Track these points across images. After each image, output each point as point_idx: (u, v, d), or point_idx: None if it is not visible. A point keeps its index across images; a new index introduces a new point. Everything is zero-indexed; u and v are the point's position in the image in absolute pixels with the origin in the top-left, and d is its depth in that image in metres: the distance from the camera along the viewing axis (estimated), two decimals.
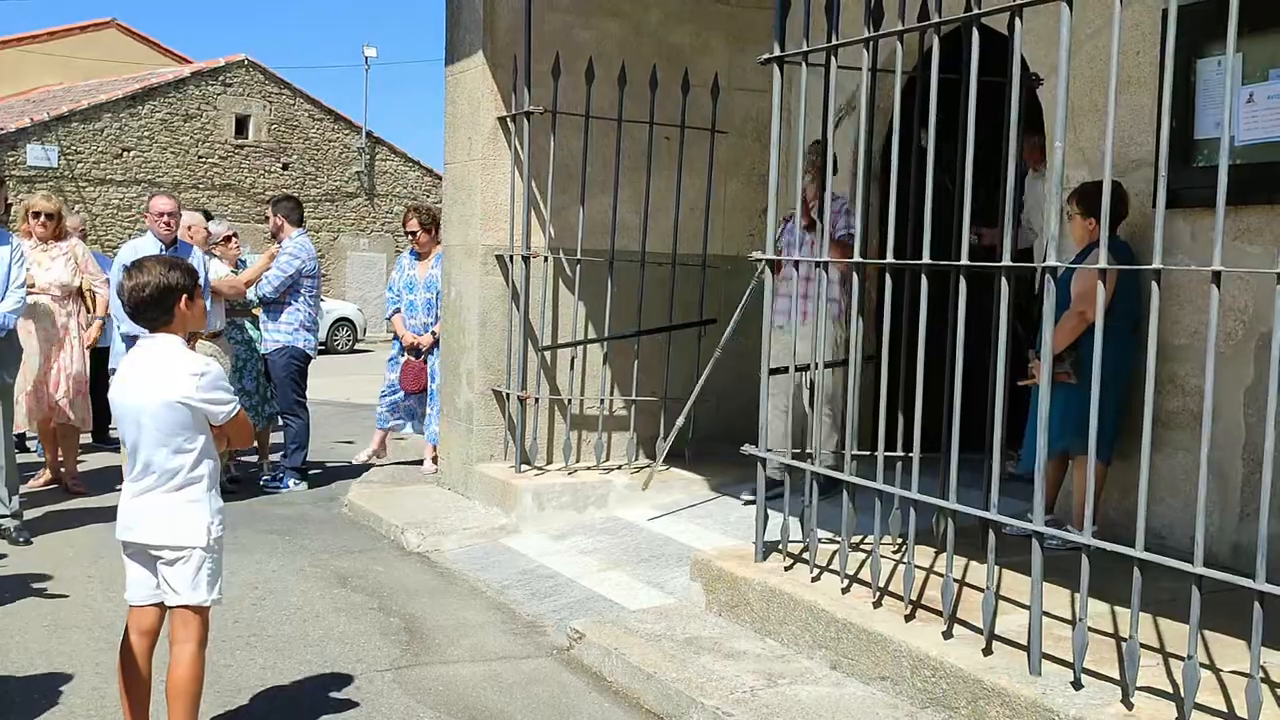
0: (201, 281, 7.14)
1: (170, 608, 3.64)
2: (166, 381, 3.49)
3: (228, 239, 8.71)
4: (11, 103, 24.95)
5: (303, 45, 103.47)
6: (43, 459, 8.34)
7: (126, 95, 22.85)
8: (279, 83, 25.04)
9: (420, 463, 8.74)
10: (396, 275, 8.86)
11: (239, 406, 3.69)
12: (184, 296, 3.57)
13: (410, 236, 8.75)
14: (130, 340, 6.99)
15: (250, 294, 8.20)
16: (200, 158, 23.83)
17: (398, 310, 8.69)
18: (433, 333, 8.50)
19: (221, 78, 24.14)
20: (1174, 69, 3.47)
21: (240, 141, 24.45)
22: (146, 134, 23.10)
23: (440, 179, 19.52)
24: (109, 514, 6.84)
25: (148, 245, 7.21)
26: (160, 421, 3.49)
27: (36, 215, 8.08)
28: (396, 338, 8.78)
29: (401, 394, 8.60)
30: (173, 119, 23.42)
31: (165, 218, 7.34)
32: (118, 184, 21.69)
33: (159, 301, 3.52)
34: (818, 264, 4.92)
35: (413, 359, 8.53)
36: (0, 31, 27.22)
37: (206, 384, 3.53)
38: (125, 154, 22.88)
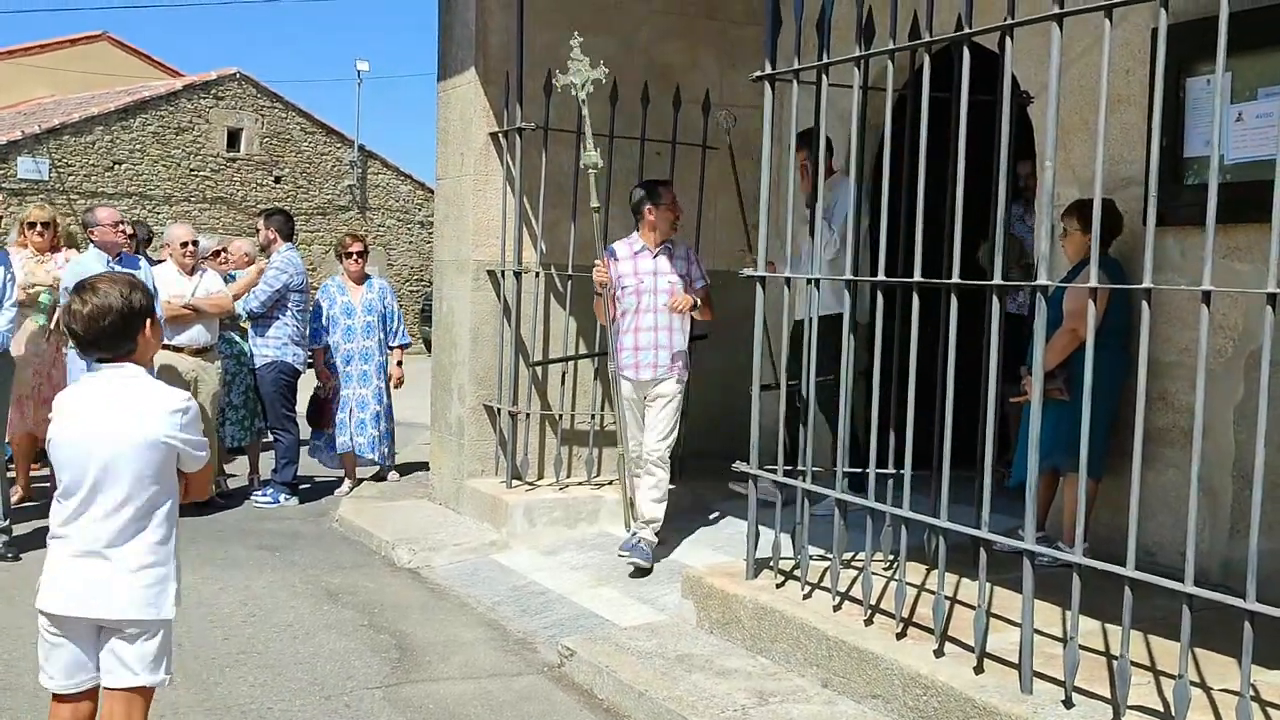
0: (150, 293, 7.26)
1: (112, 689, 3.07)
2: (145, 418, 3.00)
3: (216, 254, 8.71)
4: (2, 115, 24.88)
5: (295, 59, 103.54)
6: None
7: (118, 108, 22.76)
8: (271, 96, 24.98)
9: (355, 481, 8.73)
10: (326, 304, 8.57)
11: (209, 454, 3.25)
12: (148, 321, 3.10)
13: (352, 258, 8.65)
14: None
15: (238, 307, 8.20)
16: (192, 171, 23.75)
17: (326, 348, 8.53)
18: (400, 347, 8.78)
19: (213, 91, 24.06)
20: (1164, 87, 3.49)
21: (232, 155, 24.37)
22: (138, 147, 23.02)
23: (432, 193, 19.48)
24: None
25: (91, 260, 7.18)
26: (135, 466, 2.99)
27: (33, 225, 8.07)
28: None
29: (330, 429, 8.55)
30: (164, 132, 23.34)
31: (117, 227, 7.31)
32: (109, 197, 21.56)
33: (124, 329, 3.04)
34: (808, 281, 4.92)
35: (322, 397, 8.55)
36: None
37: (189, 422, 3.08)
38: (116, 167, 22.80)
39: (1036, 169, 6.32)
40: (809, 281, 4.93)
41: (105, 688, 3.09)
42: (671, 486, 6.79)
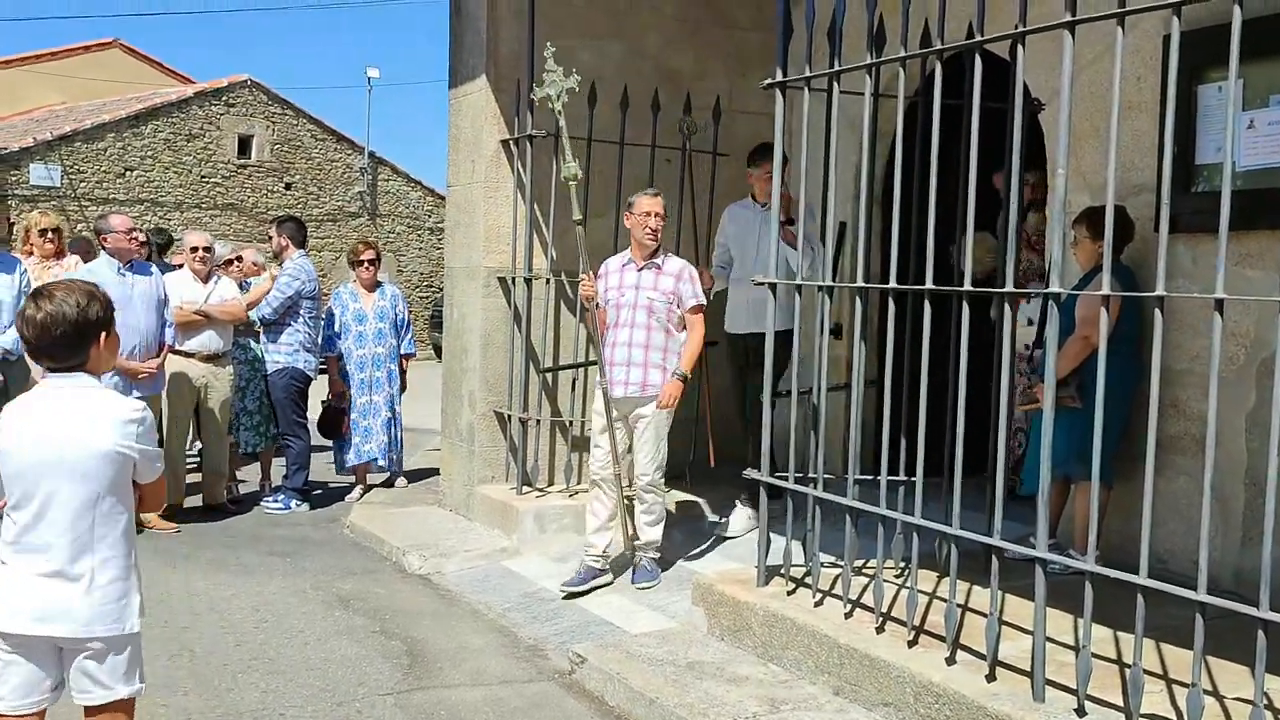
0: (162, 299, 7.35)
1: (92, 708, 3.02)
2: (98, 428, 2.92)
3: (229, 262, 8.72)
4: (15, 122, 25.02)
5: (305, 66, 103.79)
6: None
7: (129, 115, 22.86)
8: (282, 103, 25.06)
9: (379, 486, 8.73)
10: (339, 311, 8.62)
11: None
12: (103, 333, 3.00)
13: (364, 265, 8.68)
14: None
15: (252, 315, 8.22)
16: (203, 177, 23.84)
17: (339, 356, 8.58)
18: (406, 356, 8.83)
19: (225, 98, 24.16)
20: (1175, 94, 3.48)
21: (243, 161, 24.46)
22: (149, 154, 23.11)
23: (442, 199, 19.48)
24: None
25: (103, 266, 7.23)
26: (90, 478, 2.92)
27: (43, 232, 8.13)
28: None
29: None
30: (176, 139, 23.43)
31: (130, 234, 7.34)
32: (120, 203, 21.66)
33: (76, 340, 2.95)
34: (821, 288, 4.92)
35: (334, 406, 8.58)
36: (4, 51, 27.30)
37: (145, 432, 3.00)
38: (128, 173, 22.89)
39: (1008, 179, 6.35)
40: (820, 289, 4.93)
41: (84, 707, 3.02)
42: (689, 497, 6.82)
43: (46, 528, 2.92)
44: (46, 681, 2.99)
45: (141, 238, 8.54)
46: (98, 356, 3.01)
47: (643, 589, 5.88)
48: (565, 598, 5.89)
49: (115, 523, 2.98)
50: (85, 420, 2.93)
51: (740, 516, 6.63)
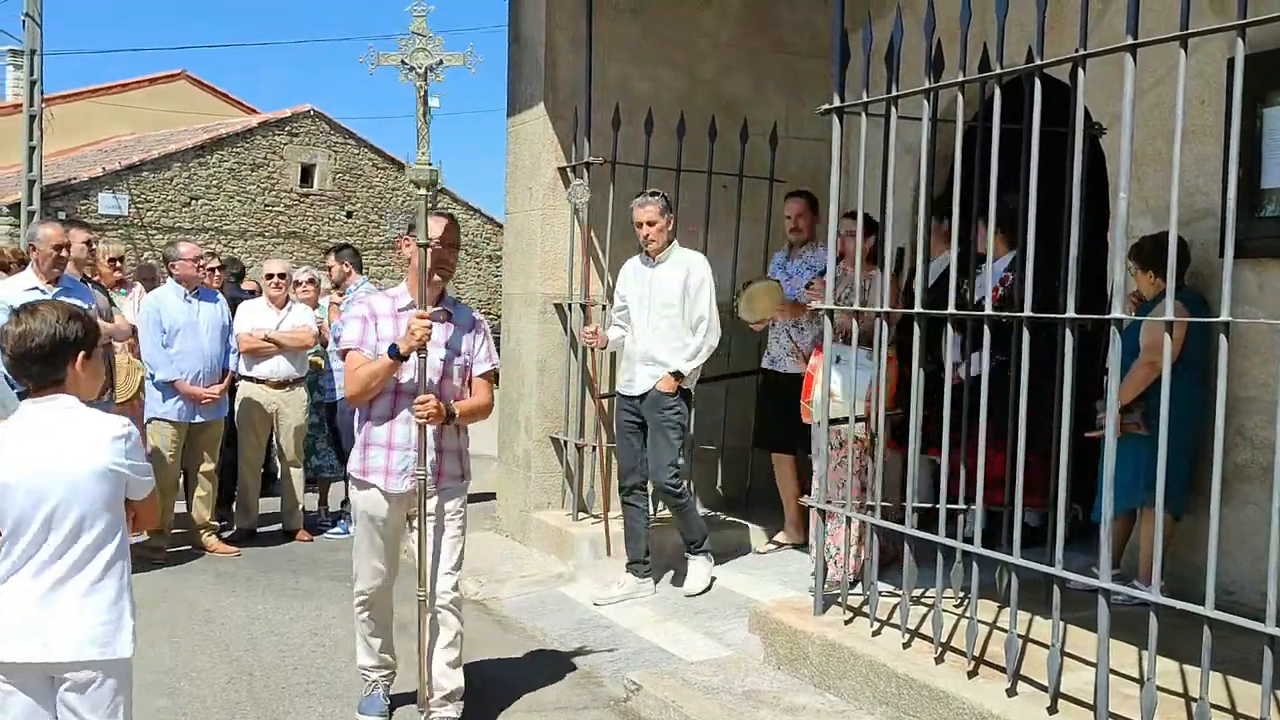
0: (226, 326, 7.46)
1: None
2: (89, 448, 2.89)
3: (297, 284, 8.76)
4: (85, 153, 25.53)
5: (367, 96, 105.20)
6: None
7: (195, 145, 23.28)
8: (344, 132, 25.40)
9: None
10: None
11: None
12: (80, 354, 2.96)
13: None
14: (167, 389, 7.15)
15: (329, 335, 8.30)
16: (266, 206, 24.20)
17: None
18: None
19: (288, 128, 24.53)
20: (1240, 118, 3.43)
21: (305, 190, 24.80)
22: (214, 183, 23.51)
23: (500, 227, 19.64)
24: None
25: (168, 293, 7.38)
26: (83, 497, 2.87)
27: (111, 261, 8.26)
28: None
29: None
30: (240, 168, 23.82)
31: (197, 261, 7.48)
32: (185, 232, 22.02)
33: (50, 356, 2.91)
34: (878, 314, 4.89)
35: None
36: (75, 84, 27.86)
37: (133, 448, 2.96)
38: (193, 202, 23.29)
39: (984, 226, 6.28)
40: (877, 315, 4.90)
41: None
42: (740, 520, 6.76)
43: (41, 554, 2.88)
44: (49, 715, 2.91)
45: (216, 263, 8.69)
46: (74, 378, 2.97)
47: None
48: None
49: (108, 544, 2.94)
50: (75, 440, 2.90)
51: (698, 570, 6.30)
